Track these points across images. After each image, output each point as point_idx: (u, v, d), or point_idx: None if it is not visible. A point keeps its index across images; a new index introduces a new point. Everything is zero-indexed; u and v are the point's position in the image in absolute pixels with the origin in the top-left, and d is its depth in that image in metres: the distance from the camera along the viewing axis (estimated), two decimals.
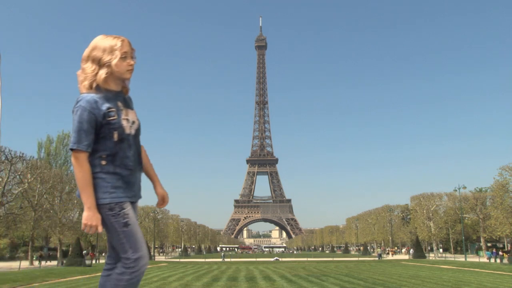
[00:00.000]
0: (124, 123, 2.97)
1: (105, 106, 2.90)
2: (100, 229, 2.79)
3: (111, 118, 2.90)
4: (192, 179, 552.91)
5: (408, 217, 79.75)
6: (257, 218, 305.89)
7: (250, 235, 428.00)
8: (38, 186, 42.58)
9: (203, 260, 60.63)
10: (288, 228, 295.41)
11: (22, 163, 40.39)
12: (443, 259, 55.57)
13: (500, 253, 47.84)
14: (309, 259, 61.29)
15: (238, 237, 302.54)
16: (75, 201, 51.82)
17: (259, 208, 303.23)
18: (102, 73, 2.95)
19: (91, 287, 16.89)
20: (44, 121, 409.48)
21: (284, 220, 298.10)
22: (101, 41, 2.99)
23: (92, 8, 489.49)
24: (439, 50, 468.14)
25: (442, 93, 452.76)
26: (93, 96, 2.89)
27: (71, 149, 2.80)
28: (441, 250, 79.75)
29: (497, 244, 69.21)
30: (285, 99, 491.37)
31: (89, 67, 2.96)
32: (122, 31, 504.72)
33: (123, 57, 2.99)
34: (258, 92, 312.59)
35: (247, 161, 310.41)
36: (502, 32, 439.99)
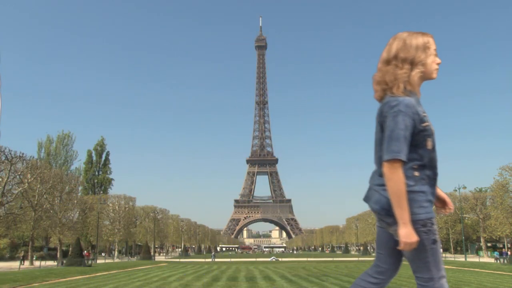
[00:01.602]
0: (433, 129, 2.71)
1: (420, 111, 2.65)
2: (415, 245, 2.56)
3: (426, 124, 2.66)
4: (192, 179, 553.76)
5: None
6: (257, 218, 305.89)
7: (250, 235, 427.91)
8: (38, 186, 42.59)
9: (202, 260, 60.67)
10: (288, 228, 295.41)
11: (22, 163, 40.41)
12: (443, 259, 55.22)
13: (510, 253, 47.37)
14: (309, 259, 61.28)
15: (238, 237, 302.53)
16: (75, 201, 51.89)
17: (259, 208, 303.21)
18: (416, 73, 2.73)
19: (91, 287, 16.87)
20: (44, 121, 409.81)
21: (284, 220, 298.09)
22: (411, 38, 2.76)
23: (92, 8, 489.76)
24: (439, 50, 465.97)
25: (442, 93, 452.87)
26: (410, 99, 2.63)
27: (389, 160, 2.54)
28: (441, 250, 79.70)
29: (497, 244, 69.18)
30: (285, 99, 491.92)
31: (399, 67, 2.72)
32: (121, 31, 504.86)
33: (433, 55, 2.79)
34: (258, 92, 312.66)
35: (247, 161, 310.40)
36: (502, 32, 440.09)
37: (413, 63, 2.72)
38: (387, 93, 2.74)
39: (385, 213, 2.69)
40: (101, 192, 79.09)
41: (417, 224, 2.59)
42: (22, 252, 48.87)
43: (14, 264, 40.71)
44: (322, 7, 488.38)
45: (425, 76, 2.80)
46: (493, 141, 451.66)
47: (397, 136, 2.54)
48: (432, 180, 2.72)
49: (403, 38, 2.77)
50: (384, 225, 2.77)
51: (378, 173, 2.79)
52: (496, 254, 49.20)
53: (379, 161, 2.76)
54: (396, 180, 2.53)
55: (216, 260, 59.15)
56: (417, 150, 2.65)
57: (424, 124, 2.64)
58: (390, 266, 2.86)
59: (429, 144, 2.67)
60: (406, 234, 2.52)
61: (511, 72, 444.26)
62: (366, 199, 2.88)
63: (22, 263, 42.65)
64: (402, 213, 2.53)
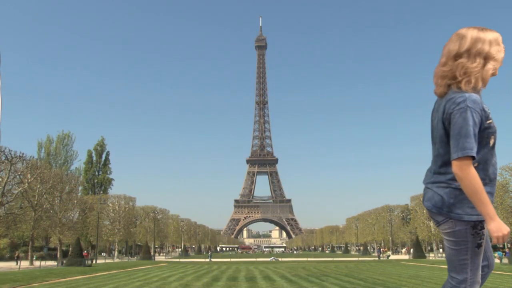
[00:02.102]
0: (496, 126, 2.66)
1: (486, 107, 2.59)
2: (507, 236, 2.48)
3: (491, 121, 2.61)
4: (192, 179, 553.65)
5: (408, 217, 79.74)
6: (257, 218, 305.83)
7: (250, 235, 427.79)
8: (38, 186, 42.60)
9: (202, 260, 60.67)
10: (288, 228, 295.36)
11: (22, 163, 40.41)
12: (443, 259, 55.56)
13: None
14: (309, 259, 61.28)
15: (238, 237, 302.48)
16: (75, 201, 51.88)
17: (259, 208, 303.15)
18: (489, 69, 2.66)
19: (91, 287, 16.88)
20: (44, 121, 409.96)
21: (284, 220, 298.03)
22: (483, 33, 2.70)
23: (92, 8, 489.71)
24: (439, 50, 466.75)
25: None
26: (476, 96, 2.58)
27: (459, 158, 2.47)
28: (441, 250, 79.76)
29: (497, 244, 69.11)
30: (285, 99, 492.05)
31: (471, 61, 2.64)
32: (122, 31, 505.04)
33: (503, 52, 2.74)
34: (258, 92, 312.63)
35: (247, 161, 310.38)
36: (501, 32, 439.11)
37: (486, 58, 2.66)
38: (452, 88, 2.67)
39: (436, 211, 2.66)
40: (101, 192, 79.08)
41: (467, 225, 2.55)
42: (18, 252, 48.70)
43: (14, 264, 40.72)
44: (322, 7, 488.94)
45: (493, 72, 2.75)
46: None
47: (467, 132, 2.48)
48: (492, 180, 2.67)
49: (475, 32, 2.71)
50: (434, 223, 2.73)
51: (432, 171, 2.76)
52: (499, 254, 49.11)
53: (438, 159, 2.72)
54: (470, 178, 2.47)
55: (216, 260, 59.11)
56: (479, 148, 2.58)
57: (489, 121, 2.59)
58: (487, 259, 2.84)
59: (491, 142, 2.63)
60: (497, 228, 2.44)
61: (511, 72, 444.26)
62: (423, 200, 2.85)
63: (19, 263, 42.44)
64: (485, 208, 2.45)
